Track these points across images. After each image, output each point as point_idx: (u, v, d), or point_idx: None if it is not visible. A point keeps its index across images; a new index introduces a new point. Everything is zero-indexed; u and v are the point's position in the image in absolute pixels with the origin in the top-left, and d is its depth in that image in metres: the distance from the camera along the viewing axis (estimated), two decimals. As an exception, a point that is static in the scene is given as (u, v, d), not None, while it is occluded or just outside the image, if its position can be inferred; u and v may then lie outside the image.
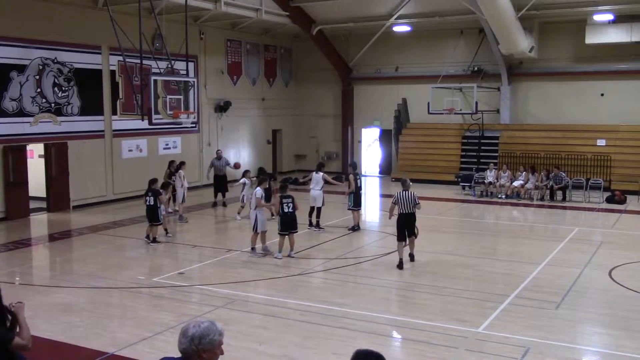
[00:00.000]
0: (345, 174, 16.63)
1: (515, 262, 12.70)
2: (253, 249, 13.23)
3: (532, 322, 9.06)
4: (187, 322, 3.53)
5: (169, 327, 8.79)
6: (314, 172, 16.06)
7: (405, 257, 12.30)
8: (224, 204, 19.72)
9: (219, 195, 19.78)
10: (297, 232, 13.20)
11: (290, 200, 12.93)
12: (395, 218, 12.53)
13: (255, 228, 13.13)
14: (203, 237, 15.66)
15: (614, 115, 23.45)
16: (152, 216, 14.40)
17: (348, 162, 22.71)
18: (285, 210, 12.86)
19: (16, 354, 5.04)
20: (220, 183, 19.79)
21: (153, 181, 14.80)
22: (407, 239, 12.28)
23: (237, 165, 20.71)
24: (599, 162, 22.30)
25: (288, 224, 12.91)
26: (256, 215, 13.07)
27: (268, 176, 16.17)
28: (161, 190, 14.78)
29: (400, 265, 11.95)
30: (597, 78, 23.85)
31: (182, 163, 18.20)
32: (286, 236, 12.95)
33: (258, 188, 13.32)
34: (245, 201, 16.82)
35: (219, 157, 20.08)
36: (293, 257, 12.92)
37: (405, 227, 12.16)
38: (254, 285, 11.16)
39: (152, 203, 14.33)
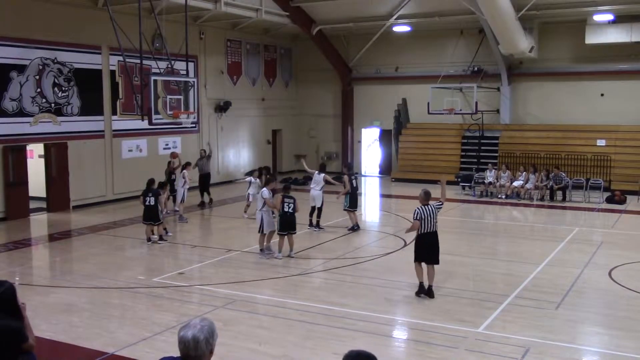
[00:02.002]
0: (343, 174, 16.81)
1: (515, 262, 12.70)
2: (262, 250, 13.17)
3: (532, 322, 9.06)
4: (184, 330, 3.45)
5: (168, 327, 8.79)
6: (316, 173, 16.15)
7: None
8: (210, 202, 20.01)
9: (205, 194, 20.04)
10: (295, 232, 13.15)
11: (292, 201, 12.82)
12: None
13: (261, 229, 13.08)
14: (203, 237, 15.68)
15: (614, 115, 23.46)
16: (153, 216, 14.39)
17: (343, 163, 22.95)
18: (286, 209, 12.77)
19: (25, 353, 5.08)
20: (205, 182, 20.10)
21: (152, 181, 14.80)
22: (427, 266, 10.27)
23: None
24: (599, 162, 22.31)
25: (287, 224, 12.85)
26: (262, 216, 13.01)
27: (267, 173, 16.57)
28: (160, 190, 14.77)
29: (421, 291, 10.21)
30: (597, 78, 23.85)
31: (188, 163, 18.12)
32: (285, 236, 12.92)
33: (265, 189, 13.19)
34: (251, 199, 16.83)
35: (201, 157, 20.38)
36: (293, 257, 12.90)
37: (428, 249, 10.18)
38: (254, 285, 11.15)
39: (152, 203, 14.30)
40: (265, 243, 13.23)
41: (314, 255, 13.38)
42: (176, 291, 10.76)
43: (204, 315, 9.03)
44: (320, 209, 15.92)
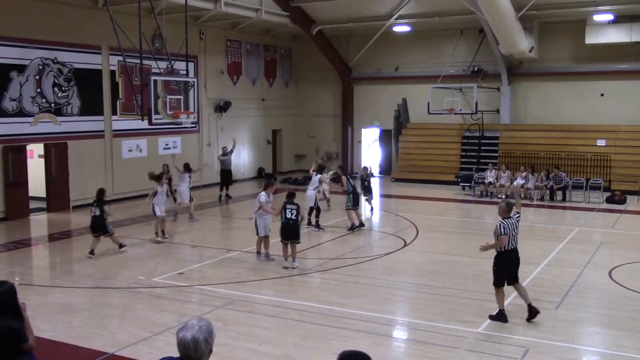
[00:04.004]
0: (339, 176, 17.18)
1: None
2: (258, 252, 12.87)
3: (532, 322, 9.04)
4: (183, 331, 3.44)
5: (169, 327, 8.79)
6: (314, 173, 16.24)
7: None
8: (228, 196, 21.15)
9: (224, 189, 21.26)
10: (299, 242, 12.38)
11: (295, 207, 12.08)
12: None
13: (257, 232, 12.77)
14: (203, 237, 15.66)
15: (614, 115, 23.46)
16: (99, 227, 13.26)
17: (338, 165, 23.23)
18: (288, 216, 12.02)
19: (26, 353, 5.09)
20: (226, 177, 21.41)
21: (102, 192, 13.62)
22: (514, 286, 9.21)
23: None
24: (598, 162, 22.30)
25: (288, 232, 12.07)
26: (256, 219, 12.69)
27: (320, 168, 16.88)
28: (105, 205, 13.57)
29: (500, 317, 9.01)
30: (597, 78, 23.86)
31: (187, 165, 17.94)
32: (287, 244, 12.16)
33: (262, 193, 12.68)
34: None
35: (225, 153, 21.54)
36: (295, 267, 12.06)
37: (514, 268, 9.09)
38: (253, 285, 11.15)
39: (97, 214, 13.19)
40: (263, 249, 12.87)
41: (314, 255, 13.37)
42: (176, 291, 10.76)
43: (204, 316, 9.06)
44: (317, 209, 15.95)
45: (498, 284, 9.05)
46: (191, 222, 17.01)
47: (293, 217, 12.02)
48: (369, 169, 18.47)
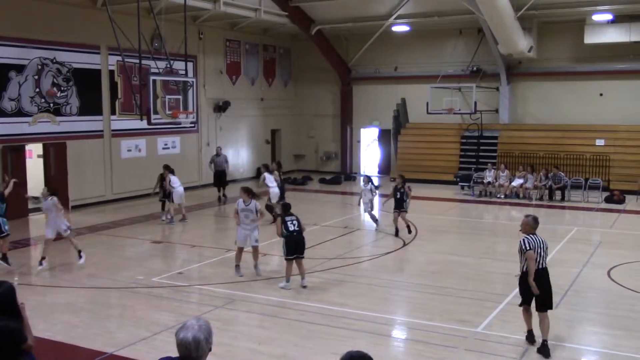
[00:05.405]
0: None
1: (514, 262, 12.51)
2: (237, 266, 11.67)
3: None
4: (183, 332, 3.45)
5: (168, 327, 8.78)
6: (271, 173, 17.04)
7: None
8: (224, 196, 21.03)
9: (221, 189, 21.20)
10: (304, 257, 10.99)
11: (295, 218, 10.87)
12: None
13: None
14: (203, 237, 15.66)
15: (613, 115, 23.48)
16: None
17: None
18: (291, 229, 10.68)
19: (25, 353, 5.08)
20: (221, 178, 21.30)
21: None
22: (538, 314, 8.04)
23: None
24: (597, 162, 22.32)
25: (296, 245, 10.69)
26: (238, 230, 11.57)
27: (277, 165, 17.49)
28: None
29: (530, 339, 8.17)
30: (596, 78, 23.87)
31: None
32: (293, 261, 10.76)
33: (240, 200, 11.80)
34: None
35: (218, 154, 21.53)
36: (306, 286, 10.81)
37: (540, 290, 7.89)
38: (253, 285, 11.15)
39: None
40: (252, 259, 11.78)
41: (313, 255, 13.36)
42: (175, 291, 10.76)
43: (203, 315, 9.06)
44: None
45: (522, 302, 8.22)
46: (184, 223, 16.90)
47: (296, 228, 10.76)
48: (403, 177, 15.84)
